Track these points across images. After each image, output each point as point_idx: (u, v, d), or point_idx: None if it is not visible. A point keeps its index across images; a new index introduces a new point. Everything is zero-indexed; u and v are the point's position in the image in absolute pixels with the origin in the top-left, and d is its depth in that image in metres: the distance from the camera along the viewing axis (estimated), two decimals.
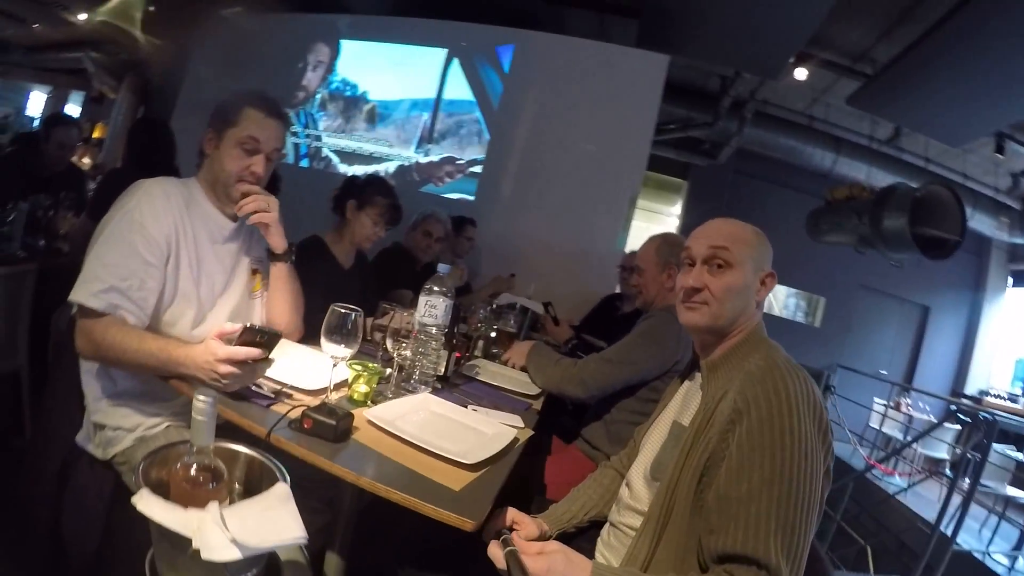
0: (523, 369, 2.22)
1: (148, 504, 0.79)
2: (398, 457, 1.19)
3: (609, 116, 4.56)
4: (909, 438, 5.17)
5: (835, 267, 6.19)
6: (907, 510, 4.16)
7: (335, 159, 5.23)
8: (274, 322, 1.69)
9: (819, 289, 7.07)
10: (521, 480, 1.81)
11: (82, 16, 7.89)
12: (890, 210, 4.14)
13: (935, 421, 5.22)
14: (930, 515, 4.23)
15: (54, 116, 3.16)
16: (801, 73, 5.12)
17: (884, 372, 6.71)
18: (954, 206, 4.05)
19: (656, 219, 7.84)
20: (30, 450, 1.75)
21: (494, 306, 3.09)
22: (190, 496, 0.84)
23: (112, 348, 1.24)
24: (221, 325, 1.25)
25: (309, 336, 1.74)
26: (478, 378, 2.01)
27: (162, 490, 0.85)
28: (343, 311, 1.29)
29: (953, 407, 5.91)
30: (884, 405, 5.70)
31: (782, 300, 7.66)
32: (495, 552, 1.05)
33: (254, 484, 0.99)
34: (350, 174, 2.50)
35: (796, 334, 7.10)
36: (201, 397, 0.83)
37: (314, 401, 1.30)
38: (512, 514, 1.23)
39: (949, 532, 3.01)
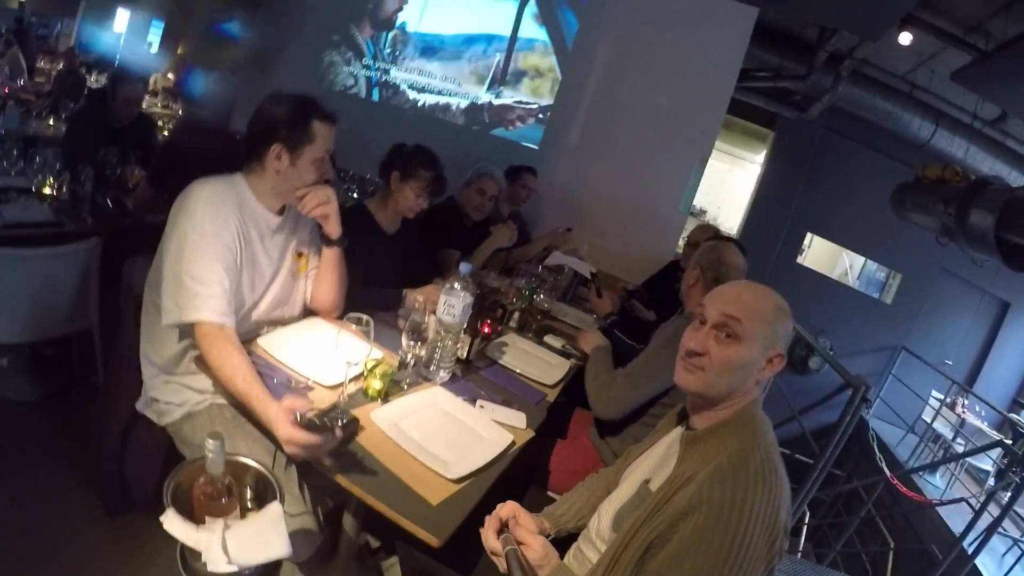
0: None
1: (171, 523, 0.98)
2: (390, 460, 1.30)
3: (687, 69, 4.32)
4: (958, 440, 4.99)
5: (917, 244, 5.81)
6: (937, 517, 4.07)
7: (407, 91, 5.21)
8: (319, 300, 1.82)
9: (897, 264, 6.67)
10: (527, 467, 1.90)
11: None
12: (979, 206, 3.82)
13: (986, 429, 5.01)
14: (959, 527, 4.16)
15: (120, 72, 3.30)
16: (906, 37, 4.65)
17: (949, 362, 6.39)
18: None
19: (739, 164, 7.56)
20: (97, 409, 1.95)
21: (540, 270, 3.14)
22: (207, 508, 1.04)
23: (211, 367, 1.39)
24: (296, 402, 1.23)
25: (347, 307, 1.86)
26: (500, 362, 2.08)
27: (186, 500, 1.05)
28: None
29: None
30: (939, 400, 5.48)
31: (856, 270, 7.32)
32: (494, 545, 1.13)
33: (261, 493, 1.18)
34: (398, 144, 2.48)
35: (865, 309, 6.80)
36: (209, 443, 1.01)
37: (331, 396, 1.43)
38: (513, 508, 1.27)
39: (971, 550, 2.96)
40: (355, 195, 4.60)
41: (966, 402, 5.38)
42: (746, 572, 0.94)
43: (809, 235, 6.86)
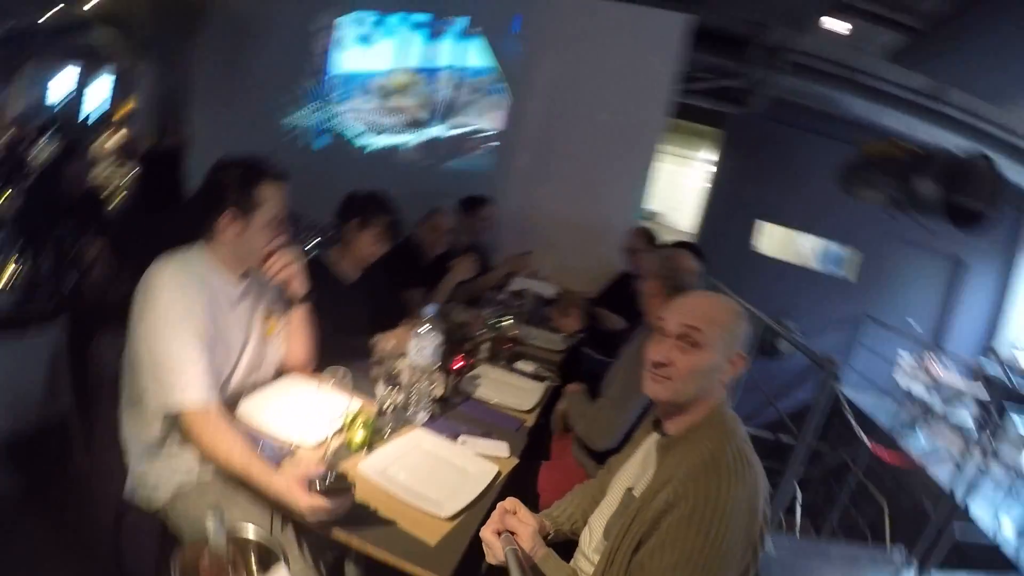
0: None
1: None
2: (383, 507, 1.34)
3: (627, 81, 4.46)
4: (935, 398, 5.14)
5: (870, 219, 6.00)
6: (925, 474, 4.19)
7: (355, 135, 5.25)
8: (292, 358, 1.84)
9: (852, 241, 6.88)
10: (517, 493, 1.93)
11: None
12: (924, 175, 3.99)
13: (961, 384, 5.16)
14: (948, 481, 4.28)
15: (66, 149, 3.28)
16: (839, 24, 4.84)
17: (910, 320, 6.58)
18: (992, 178, 3.84)
19: (687, 163, 7.68)
20: (83, 501, 1.91)
21: (503, 295, 3.19)
22: None
23: (205, 450, 1.40)
24: (306, 469, 1.26)
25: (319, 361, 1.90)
26: (475, 395, 2.12)
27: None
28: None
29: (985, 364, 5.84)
30: (910, 362, 5.64)
31: (816, 252, 7.49)
32: (493, 544, 1.18)
33: (265, 558, 1.19)
34: (352, 192, 2.50)
35: (826, 285, 6.95)
36: (209, 524, 1.08)
37: (315, 454, 1.46)
38: (514, 502, 1.32)
39: (963, 502, 3.04)
40: (306, 243, 4.61)
41: (936, 359, 5.54)
42: (723, 559, 1.03)
43: (765, 223, 7.02)
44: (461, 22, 4.87)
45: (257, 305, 1.72)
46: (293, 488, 1.22)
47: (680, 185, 7.68)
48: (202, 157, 5.75)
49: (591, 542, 1.33)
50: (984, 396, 4.86)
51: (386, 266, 2.68)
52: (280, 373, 1.86)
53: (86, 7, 8.42)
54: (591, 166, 4.56)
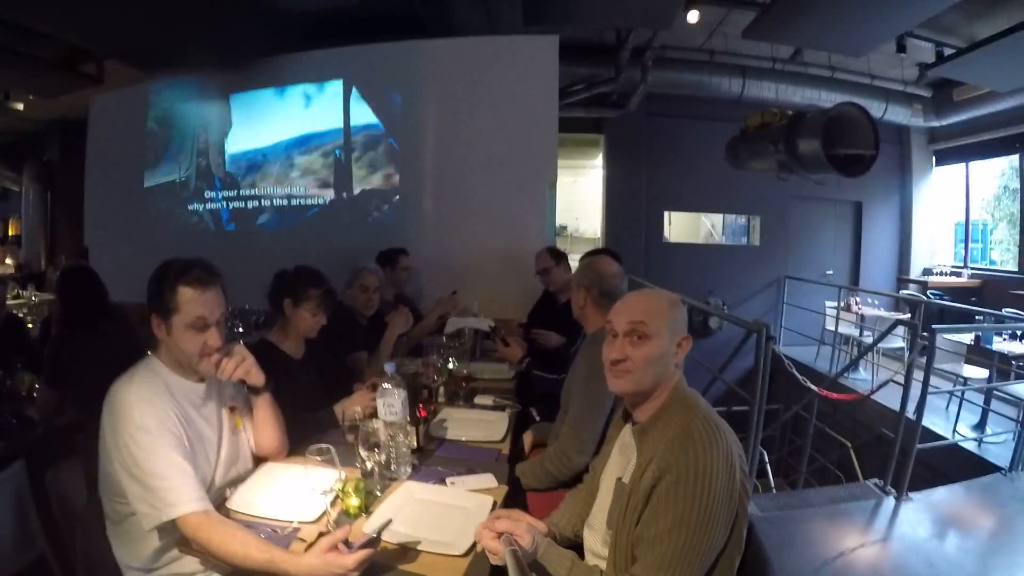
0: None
1: None
2: (398, 560, 1.36)
3: (511, 109, 4.61)
4: (865, 334, 5.49)
5: (764, 184, 6.42)
6: (878, 404, 4.46)
7: (258, 212, 5.20)
8: (264, 446, 1.81)
9: (752, 209, 7.31)
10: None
11: None
12: (802, 136, 4.31)
13: (884, 314, 5.56)
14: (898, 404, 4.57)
15: None
16: (693, 15, 5.21)
17: (830, 272, 7.04)
18: (864, 122, 4.22)
19: (582, 172, 7.94)
20: None
21: (443, 340, 3.23)
22: None
23: (217, 554, 1.35)
24: (331, 537, 1.29)
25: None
26: (448, 438, 2.15)
27: None
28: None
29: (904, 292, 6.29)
30: (835, 308, 6.02)
31: (719, 228, 7.93)
32: (493, 546, 1.21)
33: None
34: (278, 271, 2.50)
35: (739, 256, 7.36)
36: None
37: (316, 528, 1.46)
38: (500, 512, 1.39)
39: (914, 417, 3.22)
40: (239, 329, 4.50)
41: (858, 299, 5.94)
42: (712, 515, 1.15)
43: (666, 213, 7.37)
44: (334, 85, 4.94)
45: (221, 401, 1.70)
46: (328, 557, 1.24)
47: (577, 194, 7.95)
48: (104, 264, 5.63)
49: (597, 538, 1.39)
50: (907, 318, 5.23)
51: (326, 336, 2.67)
52: (258, 461, 1.83)
53: None
54: (496, 196, 4.67)
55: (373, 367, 2.92)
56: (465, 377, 2.66)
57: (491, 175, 4.69)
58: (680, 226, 7.71)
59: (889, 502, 3.03)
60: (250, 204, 5.20)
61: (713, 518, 1.14)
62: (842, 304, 5.98)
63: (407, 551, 1.38)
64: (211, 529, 1.36)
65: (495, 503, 1.61)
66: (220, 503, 1.59)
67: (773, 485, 5.10)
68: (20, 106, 7.15)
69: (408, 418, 1.81)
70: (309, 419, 2.19)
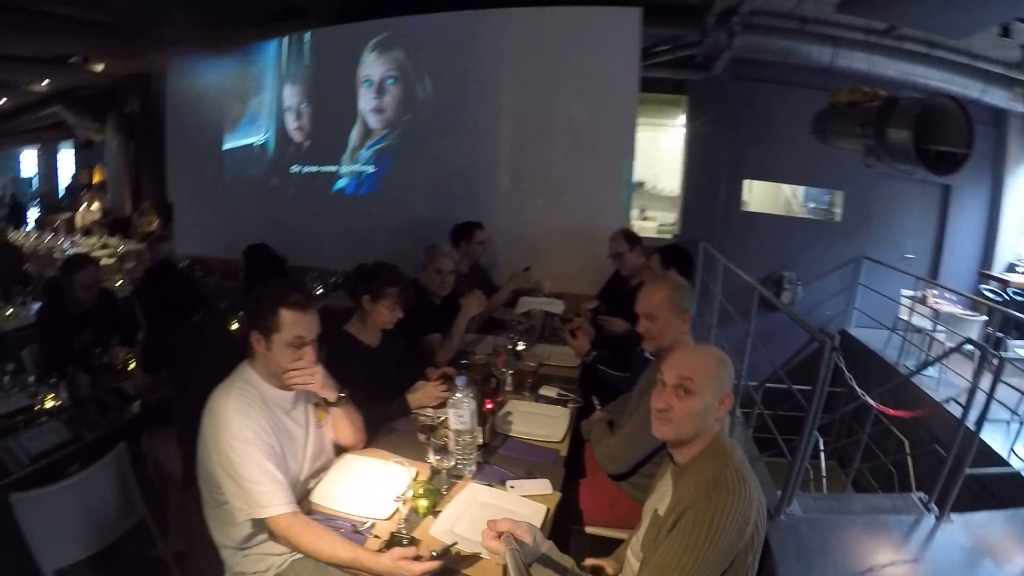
0: None
1: None
2: (460, 565, 1.56)
3: (590, 82, 4.59)
4: (939, 330, 5.31)
5: (849, 159, 6.10)
6: (940, 408, 4.38)
7: (335, 181, 5.45)
8: (343, 440, 2.06)
9: (836, 183, 6.97)
10: (563, 512, 2.10)
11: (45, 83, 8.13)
12: (893, 124, 4.05)
13: (960, 313, 5.33)
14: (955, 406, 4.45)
15: (70, 262, 3.32)
16: None
17: (911, 256, 6.71)
18: (960, 118, 3.91)
19: (662, 129, 7.77)
20: None
21: (517, 321, 3.39)
22: None
23: (306, 550, 1.60)
24: (404, 551, 1.51)
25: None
26: (511, 434, 2.34)
27: None
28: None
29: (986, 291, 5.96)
30: (911, 297, 5.81)
31: (799, 200, 7.62)
32: (494, 546, 1.30)
33: None
34: (359, 266, 2.71)
35: (818, 231, 7.08)
36: None
37: (389, 525, 1.69)
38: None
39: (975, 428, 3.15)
40: (320, 290, 4.78)
41: (936, 292, 5.71)
42: (718, 553, 1.28)
43: (746, 182, 7.13)
44: (411, 53, 5.03)
45: (308, 399, 1.93)
46: (401, 563, 1.46)
47: (657, 150, 7.79)
48: (186, 219, 6.08)
49: (634, 561, 1.56)
50: (983, 321, 5.02)
51: (401, 321, 2.81)
52: (339, 450, 2.08)
53: (43, 85, 8.55)
54: (572, 171, 4.71)
55: (446, 349, 3.10)
56: (532, 371, 2.81)
57: (568, 148, 4.73)
58: (759, 195, 7.46)
59: (929, 521, 3.01)
60: (327, 169, 5.45)
61: (719, 555, 1.28)
62: (918, 295, 5.76)
63: (465, 558, 1.58)
64: (300, 530, 1.60)
65: (548, 511, 1.81)
66: (305, 494, 1.85)
67: (824, 471, 5.13)
68: (100, 67, 7.50)
69: (476, 423, 1.99)
70: (383, 409, 2.40)
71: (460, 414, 1.92)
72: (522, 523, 1.35)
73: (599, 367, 2.88)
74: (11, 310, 4.32)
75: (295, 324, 1.72)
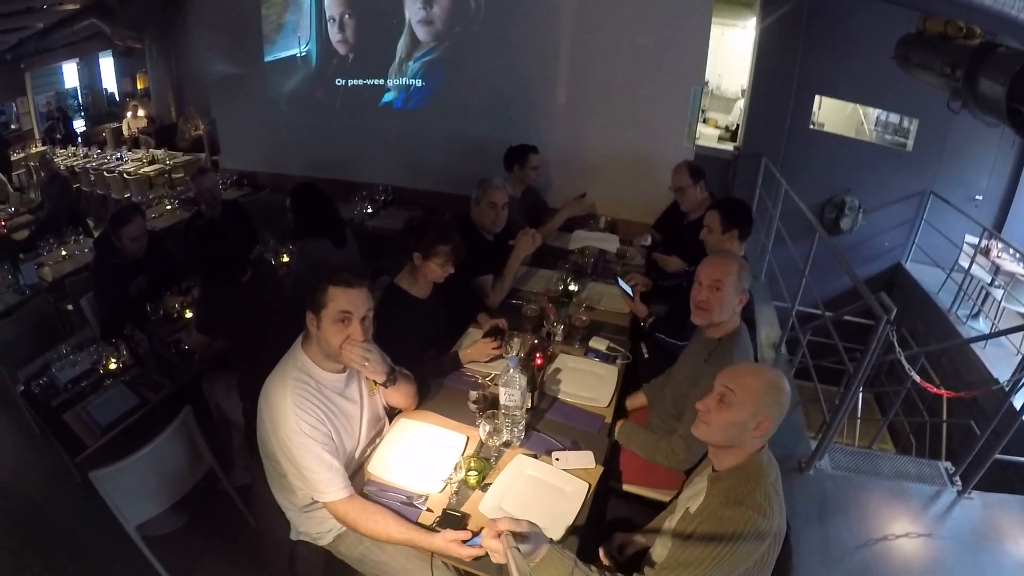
0: None
1: None
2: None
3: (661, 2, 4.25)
4: (996, 284, 5.13)
5: (930, 86, 5.67)
6: (981, 365, 4.33)
7: (383, 94, 5.29)
8: (396, 405, 2.18)
9: (912, 110, 6.47)
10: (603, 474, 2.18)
11: None
12: (987, 75, 3.69)
13: (1022, 273, 5.10)
14: (1002, 372, 4.40)
15: (117, 216, 3.30)
16: None
17: (979, 198, 6.34)
18: None
19: (731, 29, 7.32)
20: (256, 544, 2.34)
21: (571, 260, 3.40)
22: None
23: (363, 532, 1.73)
24: (456, 534, 1.63)
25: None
26: (559, 396, 2.41)
27: None
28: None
29: None
30: (974, 246, 5.57)
31: (871, 123, 7.13)
32: (494, 545, 1.33)
33: None
34: (408, 220, 2.67)
35: (887, 158, 6.65)
36: None
37: (443, 499, 1.83)
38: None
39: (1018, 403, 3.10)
40: (368, 209, 4.81)
41: (1000, 246, 5.45)
42: (721, 566, 1.35)
43: (817, 98, 6.67)
44: None
45: (361, 377, 2.00)
46: (451, 545, 1.59)
47: (724, 48, 7.35)
48: (230, 133, 5.99)
49: (660, 552, 1.66)
50: None
51: None
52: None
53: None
54: (636, 93, 4.47)
55: (497, 291, 3.12)
56: (583, 323, 2.83)
57: (632, 70, 4.48)
58: (829, 113, 6.97)
59: (949, 495, 3.08)
60: (373, 82, 5.26)
61: (728, 565, 1.35)
62: (982, 245, 5.51)
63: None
64: (356, 515, 1.73)
65: (589, 489, 1.91)
66: (362, 464, 1.98)
67: (860, 410, 5.18)
68: None
69: (525, 398, 2.07)
70: (435, 364, 2.51)
71: (511, 393, 2.00)
72: (523, 522, 1.36)
73: (657, 334, 2.90)
74: (64, 252, 4.38)
75: (341, 299, 1.75)
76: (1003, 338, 4.75)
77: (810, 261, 3.71)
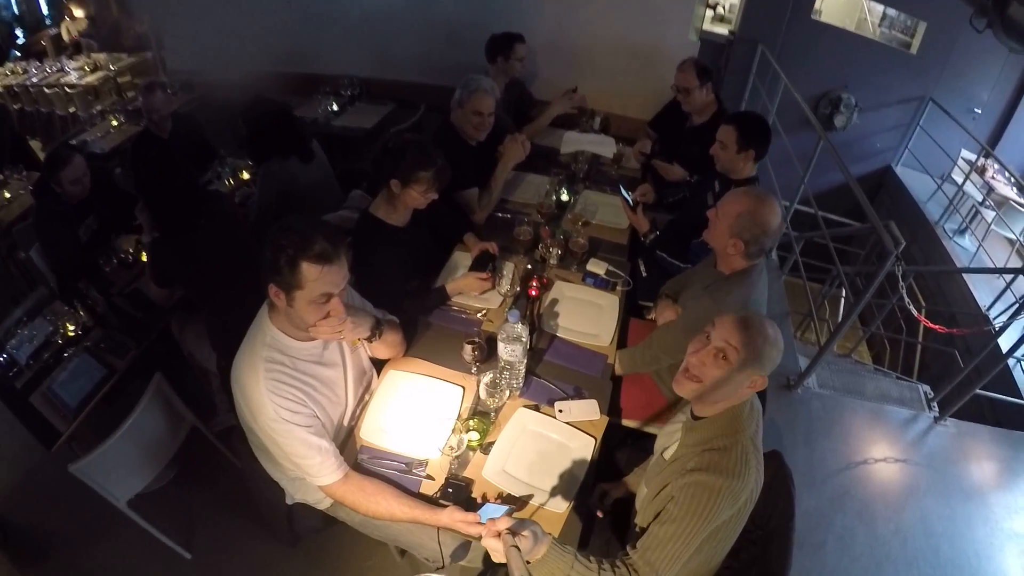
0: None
1: None
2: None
3: None
4: (987, 205, 5.05)
5: None
6: (965, 288, 4.35)
7: None
8: (384, 355, 2.01)
9: (921, 11, 6.07)
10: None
11: None
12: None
13: (1015, 199, 5.01)
14: (985, 298, 4.44)
15: (51, 160, 2.92)
16: None
17: (978, 111, 6.11)
18: None
19: None
20: (255, 500, 2.20)
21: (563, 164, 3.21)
22: None
23: (364, 514, 1.62)
24: (465, 515, 1.49)
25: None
26: (557, 333, 2.27)
27: None
28: None
29: None
30: (969, 162, 5.43)
31: (876, 20, 6.70)
32: (494, 544, 1.29)
33: None
34: (383, 141, 2.32)
35: (889, 58, 6.32)
36: None
37: (442, 463, 1.72)
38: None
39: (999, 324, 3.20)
40: (333, 107, 4.43)
41: (996, 166, 5.33)
42: (708, 530, 1.34)
43: None
44: None
45: None
46: (458, 525, 1.48)
47: None
48: (178, 30, 5.20)
49: (641, 496, 1.65)
50: None
51: None
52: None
53: None
54: None
55: (484, 205, 2.89)
56: (580, 248, 2.67)
57: None
58: (832, 5, 6.54)
59: (926, 420, 3.18)
60: None
61: (706, 529, 1.34)
62: (978, 164, 5.37)
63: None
64: (355, 495, 1.61)
65: (595, 444, 1.83)
66: (352, 429, 1.85)
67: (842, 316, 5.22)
68: None
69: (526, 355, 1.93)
70: (421, 301, 2.33)
71: (512, 349, 1.85)
72: (522, 520, 1.33)
73: (658, 253, 2.73)
74: (7, 194, 3.82)
75: (320, 280, 1.47)
76: (987, 262, 4.75)
77: (812, 165, 3.51)
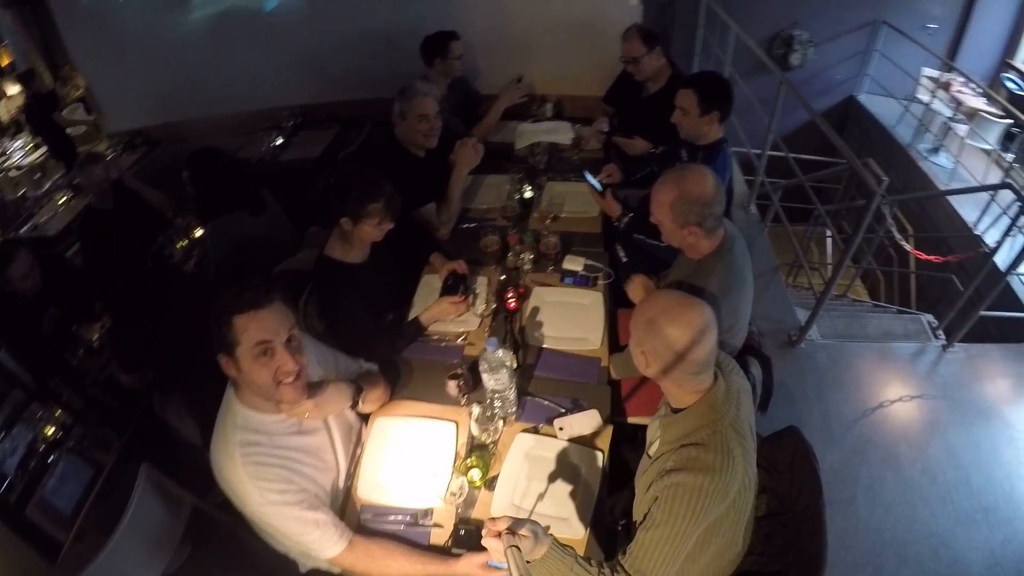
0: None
1: None
2: None
3: None
4: (958, 118, 4.97)
5: None
6: (950, 208, 4.29)
7: None
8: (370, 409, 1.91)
9: None
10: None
11: None
12: None
13: (985, 109, 4.92)
14: (970, 215, 4.38)
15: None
16: None
17: (934, 27, 6.01)
18: None
19: None
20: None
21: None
22: None
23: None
24: (480, 555, 1.47)
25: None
26: (544, 345, 2.17)
27: None
28: None
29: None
30: (933, 80, 5.34)
31: None
32: (494, 544, 1.28)
33: None
34: (325, 182, 2.22)
35: None
36: None
37: (449, 511, 1.64)
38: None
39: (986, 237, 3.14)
40: (278, 141, 4.31)
41: (961, 80, 5.24)
42: (698, 528, 1.30)
43: None
44: None
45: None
46: (476, 571, 1.45)
47: None
48: (106, 89, 4.96)
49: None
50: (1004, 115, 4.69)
51: None
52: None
53: None
54: None
55: (445, 219, 2.78)
56: (552, 248, 2.55)
57: None
58: None
59: (934, 349, 3.13)
60: None
61: (696, 529, 1.30)
62: (942, 80, 5.29)
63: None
64: (365, 564, 1.54)
65: (604, 457, 1.75)
66: (349, 490, 1.76)
67: (830, 259, 5.18)
68: None
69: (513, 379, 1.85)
70: (396, 337, 2.23)
71: (498, 377, 1.76)
72: (523, 520, 1.30)
73: (635, 236, 2.60)
74: None
75: (251, 329, 1.39)
76: (970, 179, 4.69)
77: (777, 111, 3.40)
